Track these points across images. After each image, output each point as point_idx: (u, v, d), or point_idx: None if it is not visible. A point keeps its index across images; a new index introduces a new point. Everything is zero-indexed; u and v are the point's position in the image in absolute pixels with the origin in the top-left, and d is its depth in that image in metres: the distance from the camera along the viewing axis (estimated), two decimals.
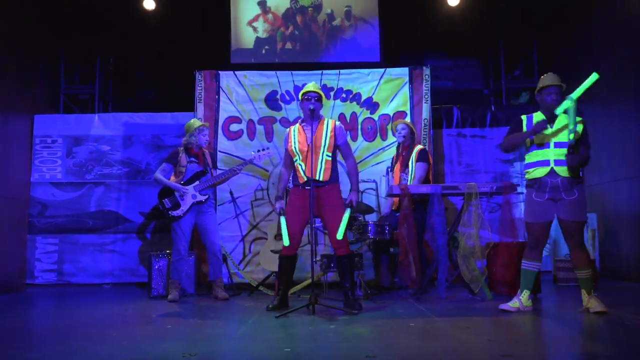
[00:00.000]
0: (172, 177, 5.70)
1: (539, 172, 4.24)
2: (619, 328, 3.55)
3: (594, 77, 4.10)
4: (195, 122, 5.83)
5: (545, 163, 4.21)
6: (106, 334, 3.61)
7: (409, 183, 5.63)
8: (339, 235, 4.45)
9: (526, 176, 4.40)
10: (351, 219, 5.54)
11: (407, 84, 6.86)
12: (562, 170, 4.16)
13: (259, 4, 8.19)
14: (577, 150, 4.09)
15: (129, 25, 8.28)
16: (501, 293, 5.20)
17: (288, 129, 4.82)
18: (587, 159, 4.18)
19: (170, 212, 5.58)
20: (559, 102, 4.20)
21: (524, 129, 4.35)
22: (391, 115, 6.80)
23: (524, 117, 4.42)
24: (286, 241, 4.50)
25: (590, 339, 3.48)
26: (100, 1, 7.92)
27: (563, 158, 4.16)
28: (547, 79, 4.34)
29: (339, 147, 4.71)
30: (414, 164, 5.68)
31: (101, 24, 8.13)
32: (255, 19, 8.19)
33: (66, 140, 7.31)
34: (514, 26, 8.35)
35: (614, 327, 3.61)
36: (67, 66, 8.11)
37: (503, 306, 4.30)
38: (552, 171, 4.18)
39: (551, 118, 4.24)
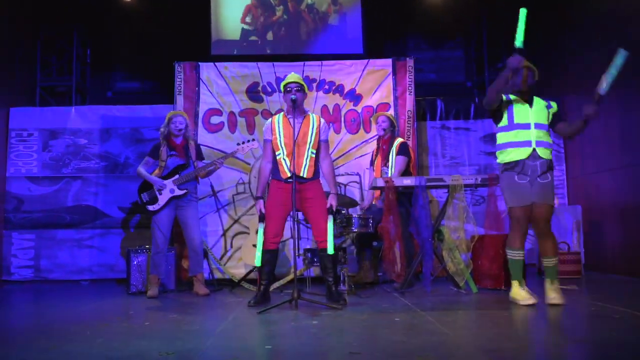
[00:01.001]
0: (156, 171, 5.55)
1: (520, 153, 4.10)
2: (606, 321, 3.49)
3: (522, 13, 3.95)
4: (169, 113, 5.68)
5: (527, 144, 4.10)
6: (81, 331, 3.47)
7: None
8: (330, 250, 4.38)
9: (502, 158, 4.21)
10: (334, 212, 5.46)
11: (391, 75, 6.77)
12: (544, 152, 4.10)
13: None
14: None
15: (107, 16, 8.09)
16: (487, 286, 5.14)
17: (270, 120, 4.67)
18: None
19: (147, 206, 5.44)
20: (528, 81, 4.15)
21: (503, 100, 4.21)
22: (374, 107, 6.70)
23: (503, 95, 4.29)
24: (258, 262, 4.45)
25: (578, 332, 3.42)
26: None
27: (543, 139, 4.11)
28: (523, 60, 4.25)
29: (320, 144, 4.62)
30: (394, 157, 5.60)
31: (79, 14, 7.92)
32: (246, 10, 8.01)
33: (42, 134, 7.13)
34: (497, 17, 8.29)
35: (602, 321, 3.55)
36: (44, 58, 7.91)
37: (523, 302, 4.07)
38: (534, 152, 4.09)
39: (529, 100, 4.18)
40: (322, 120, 4.65)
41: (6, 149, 7.02)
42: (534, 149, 4.09)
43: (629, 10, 5.84)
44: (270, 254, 4.55)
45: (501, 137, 4.24)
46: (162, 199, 5.44)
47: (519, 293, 4.14)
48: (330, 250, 4.38)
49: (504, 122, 4.20)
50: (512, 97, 4.22)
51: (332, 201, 4.50)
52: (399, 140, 5.76)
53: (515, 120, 4.14)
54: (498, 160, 4.29)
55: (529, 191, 4.10)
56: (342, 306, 4.22)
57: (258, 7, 8.02)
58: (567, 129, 4.24)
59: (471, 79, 8.56)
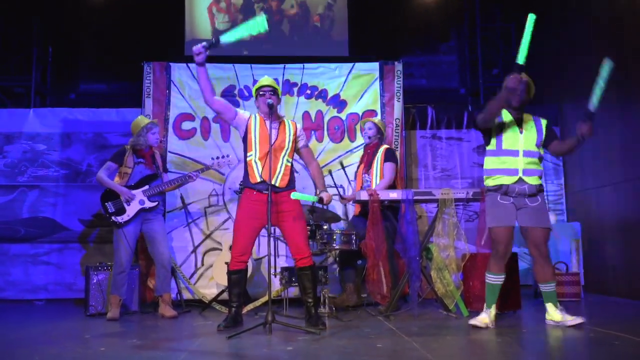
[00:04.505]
0: (116, 179, 5.44)
1: (506, 179, 4.19)
2: (605, 348, 3.45)
3: (530, 19, 3.82)
4: (143, 120, 5.58)
5: (513, 172, 4.18)
6: (27, 357, 3.35)
7: (372, 185, 5.51)
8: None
9: (488, 182, 4.30)
10: (314, 228, 5.40)
11: (378, 80, 6.75)
12: (531, 179, 4.17)
13: None
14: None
15: (71, 11, 8.00)
16: (479, 309, 5.07)
17: (248, 113, 4.59)
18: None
19: (113, 217, 5.32)
20: (520, 97, 4.18)
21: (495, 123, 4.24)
22: (360, 114, 6.66)
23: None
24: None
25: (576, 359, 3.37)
26: None
27: (532, 167, 4.18)
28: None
29: (299, 150, 4.63)
30: (379, 165, 5.56)
31: (40, 7, 7.81)
32: (211, 7, 8.00)
33: None
34: (492, 20, 8.34)
35: (601, 347, 3.51)
36: (1, 55, 7.75)
37: (473, 321, 4.21)
38: (519, 180, 4.17)
39: (520, 119, 4.23)
40: (299, 126, 4.65)
41: None
42: (520, 178, 4.17)
43: (627, 15, 5.88)
44: (238, 275, 4.48)
45: (488, 162, 4.32)
46: (131, 210, 5.33)
47: (482, 318, 4.21)
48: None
49: (492, 146, 4.28)
50: (504, 117, 4.25)
51: (323, 194, 4.48)
52: (384, 146, 5.72)
53: (504, 146, 4.22)
54: (484, 183, 4.37)
55: (511, 212, 4.18)
56: (320, 330, 4.14)
57: (221, 2, 7.99)
58: (561, 148, 4.35)
59: (465, 85, 8.57)
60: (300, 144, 4.60)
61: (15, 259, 6.80)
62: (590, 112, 4.00)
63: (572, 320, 4.08)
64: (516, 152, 4.18)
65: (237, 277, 4.47)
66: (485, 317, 4.20)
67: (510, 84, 3.93)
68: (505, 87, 3.97)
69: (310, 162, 4.69)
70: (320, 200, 4.46)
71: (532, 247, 4.24)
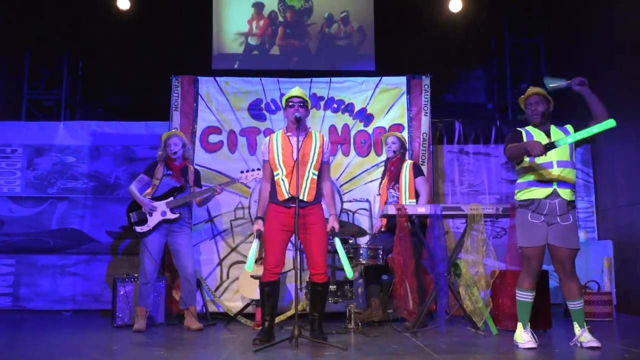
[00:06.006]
0: (148, 190, 5.52)
1: (539, 192, 4.12)
2: None
3: (608, 124, 3.92)
4: (165, 134, 5.67)
5: (548, 184, 4.11)
6: None
7: (401, 200, 5.48)
8: (349, 274, 4.28)
9: (519, 195, 4.24)
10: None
11: (405, 94, 6.73)
12: (565, 193, 4.10)
13: (243, 5, 8.10)
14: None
15: (101, 26, 8.15)
16: (508, 327, 4.99)
17: (267, 138, 4.61)
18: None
19: (134, 227, 5.38)
20: (540, 113, 4.19)
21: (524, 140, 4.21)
22: (387, 128, 6.64)
23: (522, 130, 4.28)
24: (250, 267, 4.30)
25: None
26: (71, 0, 7.77)
27: (566, 177, 4.11)
28: (527, 92, 4.31)
29: (322, 165, 4.56)
30: (408, 180, 5.53)
31: (71, 23, 7.98)
32: (244, 21, 8.09)
33: (27, 150, 7.11)
34: (520, 35, 8.29)
35: None
36: (32, 69, 7.94)
37: (525, 345, 4.04)
38: (554, 192, 4.09)
39: (547, 132, 4.21)
40: (326, 139, 4.61)
41: None
42: (555, 190, 4.10)
43: None
44: (271, 287, 4.45)
45: (522, 176, 4.25)
46: (152, 220, 5.38)
47: (521, 336, 4.12)
48: (350, 274, 4.28)
49: (525, 162, 4.21)
50: (532, 133, 4.22)
51: (333, 223, 4.43)
52: (410, 161, 5.70)
53: (537, 160, 4.13)
54: (515, 197, 4.31)
55: (543, 232, 4.11)
56: (347, 346, 4.10)
57: (261, 19, 8.07)
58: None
59: (492, 100, 8.52)
60: (324, 158, 4.54)
61: (43, 270, 6.89)
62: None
63: (588, 342, 3.96)
64: (550, 163, 4.11)
65: (270, 290, 4.45)
66: (531, 336, 4.09)
67: (534, 152, 3.91)
68: (527, 151, 3.96)
69: (324, 180, 4.56)
70: (333, 231, 4.40)
71: (557, 265, 4.17)
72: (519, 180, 4.26)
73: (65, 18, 7.91)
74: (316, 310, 4.46)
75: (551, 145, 3.94)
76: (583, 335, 4.01)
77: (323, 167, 4.56)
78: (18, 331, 5.45)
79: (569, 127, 4.24)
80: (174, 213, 5.42)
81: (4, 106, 7.47)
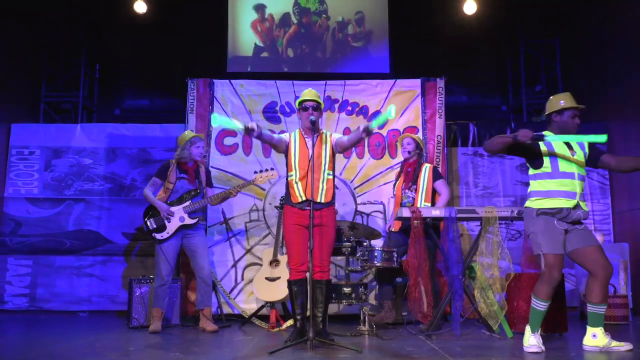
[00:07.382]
0: (161, 193, 5.51)
1: (564, 202, 4.06)
2: None
3: (601, 138, 3.92)
4: (189, 134, 5.67)
5: (572, 195, 4.06)
6: None
7: (417, 202, 5.46)
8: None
9: (541, 203, 4.09)
10: (355, 244, 5.38)
11: (419, 96, 6.72)
12: (583, 204, 4.11)
13: (255, 8, 8.13)
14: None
15: (118, 29, 8.20)
16: (523, 331, 4.94)
17: (288, 133, 4.66)
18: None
19: (153, 234, 5.40)
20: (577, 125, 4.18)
21: (543, 148, 4.14)
22: (401, 130, 6.62)
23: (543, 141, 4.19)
24: (214, 121, 4.29)
25: None
26: (88, 2, 7.83)
27: (583, 191, 4.15)
28: (571, 100, 4.20)
29: (336, 147, 4.54)
30: (426, 183, 5.51)
31: (88, 27, 8.05)
32: (254, 24, 8.12)
33: (45, 152, 7.17)
34: (535, 36, 8.24)
35: None
36: (50, 72, 8.00)
37: (531, 349, 4.01)
38: (577, 204, 4.06)
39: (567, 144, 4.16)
40: (334, 134, 4.64)
41: (6, 167, 7.08)
42: (578, 202, 4.07)
43: None
44: (299, 285, 4.48)
45: (544, 184, 4.13)
46: (171, 227, 5.40)
47: (527, 339, 4.09)
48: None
49: (547, 168, 4.12)
50: (554, 138, 4.09)
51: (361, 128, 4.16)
52: (429, 165, 5.68)
53: (561, 169, 4.10)
54: (534, 205, 4.14)
55: (563, 239, 4.08)
56: (362, 349, 4.09)
57: (265, 21, 8.10)
58: (617, 164, 4.15)
59: (507, 102, 8.47)
60: (336, 149, 4.53)
61: (60, 270, 6.94)
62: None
63: (592, 347, 3.99)
64: (572, 174, 4.07)
65: (299, 288, 4.48)
66: (538, 341, 4.06)
67: (522, 137, 3.92)
68: (517, 137, 3.93)
69: (341, 137, 4.53)
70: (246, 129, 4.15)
71: (588, 264, 4.08)
72: (537, 188, 4.15)
73: (83, 21, 7.97)
74: (319, 309, 4.42)
75: (539, 137, 3.93)
76: (611, 341, 4.01)
77: (339, 141, 4.50)
78: (35, 332, 5.49)
79: (585, 143, 4.22)
80: (192, 218, 5.43)
81: (21, 108, 7.54)
